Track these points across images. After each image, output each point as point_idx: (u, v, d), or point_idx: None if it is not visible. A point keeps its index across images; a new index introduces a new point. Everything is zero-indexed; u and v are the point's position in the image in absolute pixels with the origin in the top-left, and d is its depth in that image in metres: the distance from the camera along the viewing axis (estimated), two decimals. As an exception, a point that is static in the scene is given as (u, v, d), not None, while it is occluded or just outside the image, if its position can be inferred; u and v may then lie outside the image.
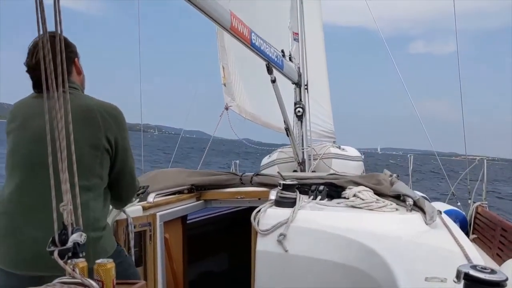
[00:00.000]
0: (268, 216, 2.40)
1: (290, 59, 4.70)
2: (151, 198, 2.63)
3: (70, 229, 1.31)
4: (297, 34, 5.13)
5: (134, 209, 2.36)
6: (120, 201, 2.00)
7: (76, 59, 1.90)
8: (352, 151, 6.07)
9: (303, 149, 4.99)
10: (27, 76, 1.78)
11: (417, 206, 2.53)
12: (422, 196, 3.00)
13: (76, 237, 1.30)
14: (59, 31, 1.25)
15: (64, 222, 1.30)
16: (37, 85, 1.78)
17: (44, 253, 1.64)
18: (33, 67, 1.71)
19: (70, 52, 1.87)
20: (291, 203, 2.50)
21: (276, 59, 3.95)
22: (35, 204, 1.68)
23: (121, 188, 1.90)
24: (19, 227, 1.69)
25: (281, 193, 2.56)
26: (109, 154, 1.78)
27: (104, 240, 1.75)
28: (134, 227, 2.28)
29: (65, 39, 1.85)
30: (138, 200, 2.58)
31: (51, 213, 1.63)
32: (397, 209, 2.54)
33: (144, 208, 2.50)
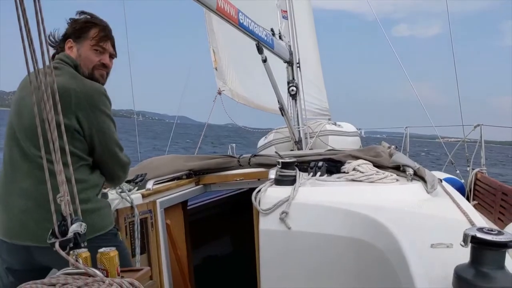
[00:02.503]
0: (269, 195, 2.38)
1: (280, 38, 4.65)
2: (150, 185, 2.62)
3: (69, 220, 1.29)
4: (286, 12, 5.06)
5: (133, 197, 2.35)
6: (111, 181, 2.00)
7: (68, 40, 1.91)
8: (348, 127, 6.05)
9: (298, 128, 4.96)
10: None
11: (417, 176, 2.52)
12: None
13: (76, 227, 1.29)
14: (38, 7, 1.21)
15: (63, 213, 1.29)
16: None
17: (28, 223, 1.67)
18: None
19: (65, 33, 1.92)
20: (291, 181, 2.49)
21: (266, 38, 3.90)
22: (18, 174, 1.76)
23: (107, 169, 1.91)
24: (6, 197, 1.78)
25: (281, 172, 2.54)
26: (80, 135, 1.77)
27: (91, 215, 1.74)
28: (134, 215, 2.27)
29: (73, 20, 1.91)
30: (137, 188, 2.56)
31: (32, 183, 1.71)
32: (397, 180, 2.53)
33: (144, 196, 2.48)
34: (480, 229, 1.18)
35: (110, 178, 1.96)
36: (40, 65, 1.23)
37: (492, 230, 1.18)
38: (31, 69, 1.21)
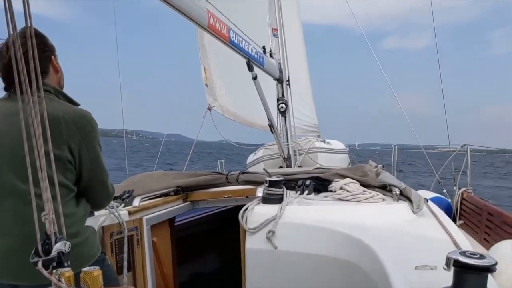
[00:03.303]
0: (256, 214, 2.38)
1: (270, 55, 4.69)
2: (136, 202, 2.60)
3: (53, 239, 1.28)
4: (276, 30, 5.13)
5: (120, 214, 2.33)
6: (95, 207, 1.95)
7: (53, 56, 1.83)
8: (336, 144, 6.09)
9: (288, 144, 4.99)
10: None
11: (403, 196, 2.54)
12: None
13: (60, 246, 1.28)
14: (29, 28, 1.20)
15: (47, 231, 1.27)
16: (8, 88, 1.74)
17: (14, 262, 1.61)
18: (6, 69, 1.64)
19: (48, 50, 1.82)
20: (278, 200, 2.49)
21: (256, 56, 3.94)
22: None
23: (93, 197, 1.85)
24: None
25: (268, 190, 2.55)
26: (72, 165, 1.71)
27: (81, 247, 1.70)
28: (121, 232, 2.25)
29: (42, 36, 1.81)
30: (123, 205, 2.55)
31: (16, 221, 1.61)
32: (384, 200, 2.55)
33: (130, 213, 2.47)
34: (463, 253, 1.19)
35: (94, 206, 1.91)
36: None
37: (474, 254, 1.19)
38: (22, 94, 1.19)
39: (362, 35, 7.41)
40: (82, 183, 1.78)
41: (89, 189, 1.81)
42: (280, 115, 4.98)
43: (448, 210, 4.67)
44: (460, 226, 4.48)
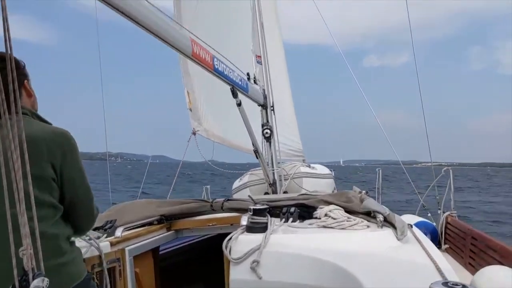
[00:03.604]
0: (240, 243, 2.36)
1: (255, 82, 4.73)
2: (119, 232, 2.55)
3: (31, 275, 1.25)
4: (260, 57, 5.19)
5: (101, 245, 2.28)
6: (77, 231, 1.89)
7: (26, 81, 1.83)
8: (322, 169, 6.11)
9: (273, 170, 4.99)
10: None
11: (387, 222, 2.54)
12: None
13: (38, 283, 1.25)
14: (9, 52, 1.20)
15: (24, 267, 1.24)
16: None
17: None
18: None
19: (20, 74, 1.79)
20: (263, 228, 2.48)
21: (240, 83, 3.96)
22: None
23: (75, 219, 1.82)
24: None
25: (252, 219, 2.53)
26: (55, 182, 1.70)
27: (69, 266, 1.68)
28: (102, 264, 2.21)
29: (16, 61, 1.79)
30: (105, 235, 2.50)
31: (3, 243, 1.52)
32: (368, 226, 2.55)
33: (112, 244, 2.42)
34: (445, 284, 1.19)
35: (76, 229, 1.86)
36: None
37: (456, 285, 1.19)
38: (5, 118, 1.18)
39: (344, 53, 7.49)
40: (65, 202, 1.76)
41: (71, 210, 1.78)
42: (265, 140, 5.00)
43: (434, 234, 4.68)
44: (445, 250, 4.49)
